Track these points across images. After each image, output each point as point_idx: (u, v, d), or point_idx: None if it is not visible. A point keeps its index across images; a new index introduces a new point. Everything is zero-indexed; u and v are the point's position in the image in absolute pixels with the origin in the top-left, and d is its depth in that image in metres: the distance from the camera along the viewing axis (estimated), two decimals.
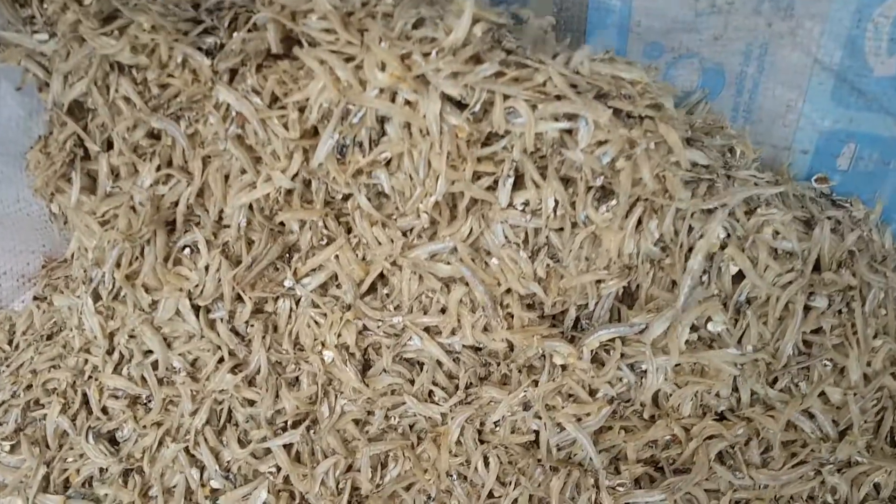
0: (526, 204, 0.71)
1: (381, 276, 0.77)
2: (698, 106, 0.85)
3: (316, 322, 0.78)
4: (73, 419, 0.84)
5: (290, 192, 0.75)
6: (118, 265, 0.78)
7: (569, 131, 0.68)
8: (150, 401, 0.83)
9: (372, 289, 0.77)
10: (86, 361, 0.84)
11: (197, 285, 0.78)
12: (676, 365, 0.74)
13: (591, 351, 0.73)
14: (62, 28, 0.73)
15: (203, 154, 0.75)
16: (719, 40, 0.81)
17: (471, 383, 0.77)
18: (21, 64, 0.77)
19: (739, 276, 0.73)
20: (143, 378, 0.82)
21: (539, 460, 0.75)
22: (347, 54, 0.67)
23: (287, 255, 0.78)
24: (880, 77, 0.77)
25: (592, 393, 0.75)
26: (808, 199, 0.82)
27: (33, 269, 0.92)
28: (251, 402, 0.80)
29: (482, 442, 0.76)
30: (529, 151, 0.68)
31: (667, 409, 0.76)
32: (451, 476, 0.77)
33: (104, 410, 0.83)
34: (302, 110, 0.70)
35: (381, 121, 0.70)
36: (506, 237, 0.72)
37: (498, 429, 0.77)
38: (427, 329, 0.76)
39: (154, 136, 0.78)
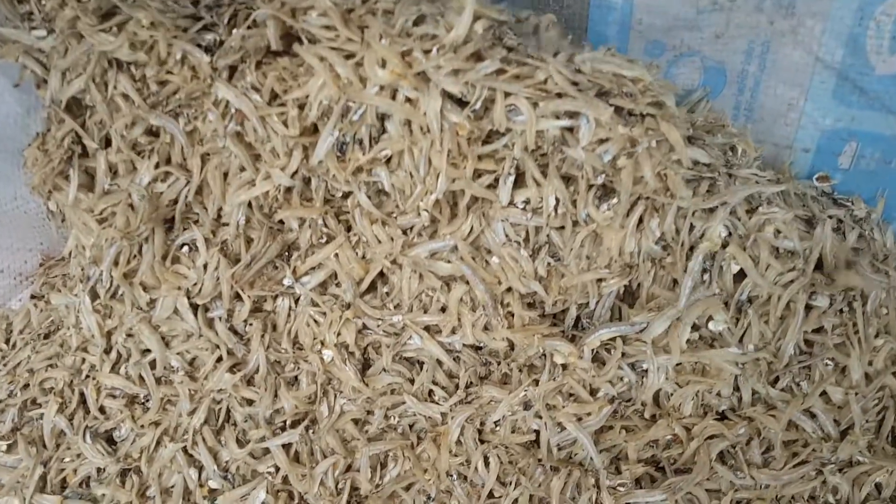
0: (527, 202, 0.71)
1: (381, 274, 0.76)
2: (699, 104, 0.85)
3: (315, 321, 0.77)
4: (70, 419, 0.83)
5: (289, 189, 0.74)
6: (116, 263, 0.78)
7: (570, 129, 0.67)
8: (147, 400, 0.82)
9: (372, 287, 0.77)
10: (83, 360, 0.84)
11: (195, 284, 0.77)
12: (677, 364, 0.74)
13: (592, 350, 0.73)
14: (60, 24, 0.73)
15: (202, 151, 0.75)
16: (721, 38, 0.81)
17: (471, 382, 0.76)
18: (19, 60, 0.77)
19: (741, 275, 0.73)
20: (140, 377, 0.81)
21: (539, 460, 0.75)
22: (348, 51, 0.67)
23: (286, 253, 0.78)
24: (882, 75, 0.77)
25: (593, 392, 0.75)
26: (809, 198, 0.82)
27: (31, 267, 0.91)
28: (250, 402, 0.79)
29: (482, 442, 0.76)
30: (530, 149, 0.68)
31: (668, 408, 0.75)
32: (451, 476, 0.76)
33: (101, 410, 0.83)
34: (302, 107, 0.70)
35: (382, 118, 0.69)
36: (506, 235, 0.72)
37: (498, 428, 0.76)
38: (427, 328, 0.76)
39: (152, 133, 0.77)
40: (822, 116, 0.82)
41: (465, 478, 0.76)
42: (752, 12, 0.78)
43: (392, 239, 0.73)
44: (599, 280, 0.72)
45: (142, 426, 0.81)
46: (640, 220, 0.70)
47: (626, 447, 0.75)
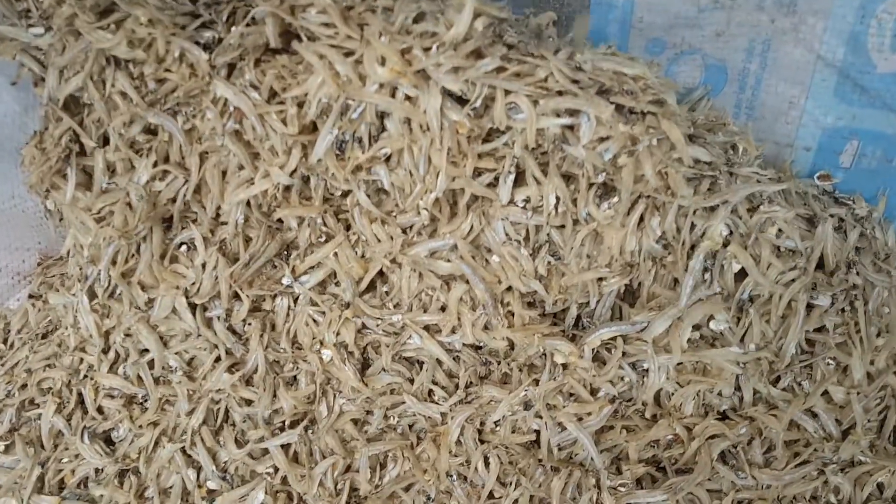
0: (527, 201, 0.71)
1: (381, 273, 0.76)
2: (700, 102, 0.85)
3: (314, 320, 0.77)
4: (68, 419, 0.83)
5: (288, 188, 0.74)
6: (114, 262, 0.77)
7: (570, 127, 0.67)
8: (146, 400, 0.82)
9: (371, 286, 0.77)
10: (81, 360, 0.83)
11: (193, 283, 0.77)
12: (678, 364, 0.73)
13: (593, 349, 0.73)
14: (58, 22, 0.72)
15: (200, 150, 0.74)
16: (722, 36, 0.81)
17: (471, 382, 0.76)
18: (16, 58, 0.76)
19: (742, 274, 0.73)
20: (139, 377, 0.81)
21: (540, 460, 0.74)
22: (347, 49, 0.67)
23: (285, 252, 0.78)
24: (883, 73, 0.77)
25: (594, 392, 0.74)
26: (810, 197, 0.81)
27: (29, 266, 0.91)
28: (248, 402, 0.79)
29: (482, 442, 0.76)
30: (531, 147, 0.68)
31: (669, 408, 0.75)
32: (451, 476, 0.76)
33: (100, 410, 0.83)
34: (301, 105, 0.70)
35: (381, 116, 0.69)
36: (506, 234, 0.72)
37: (498, 428, 0.76)
38: (427, 327, 0.75)
39: (151, 131, 0.77)
40: (823, 115, 0.82)
41: (465, 478, 0.76)
42: (754, 10, 0.78)
43: (391, 238, 0.73)
44: (600, 279, 0.72)
45: (140, 426, 0.81)
46: (641, 219, 0.70)
47: (627, 447, 0.75)
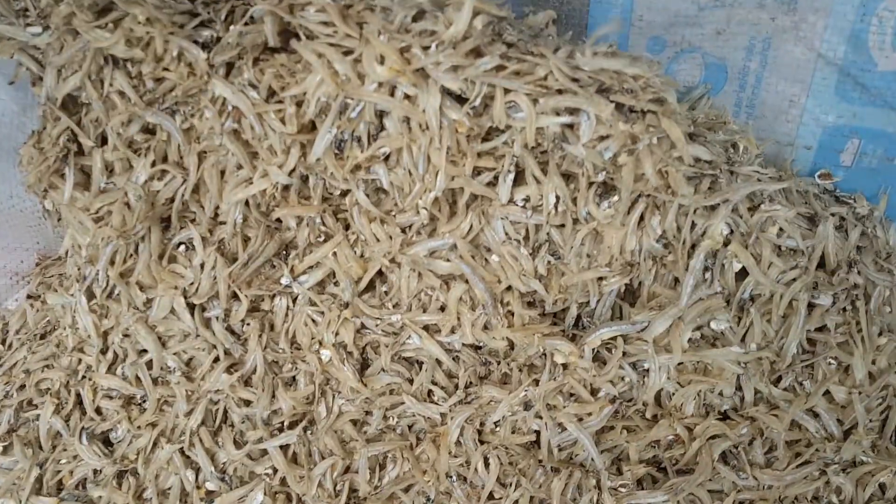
0: (527, 200, 0.70)
1: (380, 273, 0.76)
2: (700, 101, 0.84)
3: (313, 320, 0.77)
4: (66, 420, 0.83)
5: (286, 187, 0.74)
6: (112, 263, 0.77)
7: (570, 126, 0.67)
8: (144, 401, 0.82)
9: (370, 286, 0.77)
10: (79, 361, 0.83)
11: (192, 283, 0.77)
12: (679, 363, 0.73)
13: (593, 349, 0.73)
14: (56, 21, 0.72)
15: (199, 149, 0.74)
16: (722, 35, 0.81)
17: (470, 382, 0.76)
18: (14, 57, 0.76)
19: (743, 274, 0.73)
20: (137, 378, 0.81)
21: (540, 461, 0.74)
22: (346, 47, 0.67)
23: (284, 252, 0.77)
24: (884, 72, 0.76)
25: (594, 392, 0.74)
26: (811, 196, 0.81)
27: (27, 266, 0.91)
28: (247, 403, 0.79)
29: (482, 442, 0.75)
30: (530, 146, 0.67)
31: (669, 408, 0.75)
32: (451, 477, 0.75)
33: (98, 411, 0.82)
34: (299, 104, 0.69)
35: (380, 115, 0.69)
36: (506, 234, 0.72)
37: (498, 429, 0.76)
38: (426, 327, 0.75)
39: (149, 131, 0.77)
40: (823, 113, 0.82)
41: (465, 479, 0.76)
42: (754, 8, 0.78)
43: (391, 237, 0.73)
44: (600, 278, 0.72)
45: (138, 427, 0.81)
46: (641, 218, 0.69)
47: (628, 448, 0.74)
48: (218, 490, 0.79)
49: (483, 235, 0.72)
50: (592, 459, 0.73)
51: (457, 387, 0.76)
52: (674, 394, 0.74)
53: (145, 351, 0.80)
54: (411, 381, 0.76)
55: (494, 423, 0.75)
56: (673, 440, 0.75)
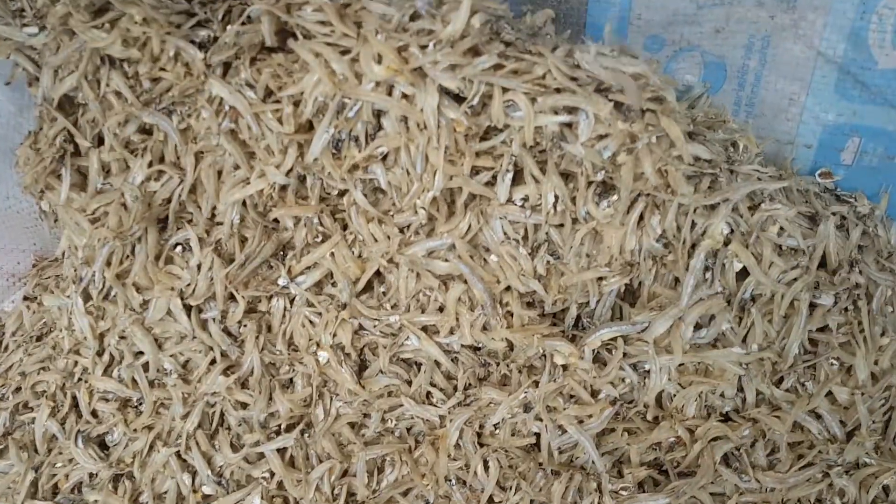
0: (525, 199, 0.70)
1: (378, 273, 0.75)
2: (700, 100, 0.84)
3: (311, 321, 0.76)
4: (62, 423, 0.82)
5: (284, 188, 0.74)
6: (108, 264, 0.77)
7: (569, 125, 0.66)
8: (140, 403, 0.81)
9: (368, 287, 0.76)
10: (75, 363, 0.83)
11: (189, 284, 0.76)
12: (680, 365, 0.72)
13: (593, 350, 0.72)
14: (52, 21, 0.72)
15: (195, 149, 0.74)
16: (721, 33, 0.80)
17: (470, 384, 0.75)
18: (10, 58, 0.76)
19: (743, 273, 0.72)
20: (133, 380, 0.80)
21: (540, 464, 0.73)
22: (343, 47, 0.66)
23: (281, 252, 0.77)
24: (885, 70, 0.76)
25: (594, 394, 0.74)
26: (812, 195, 0.81)
27: (24, 268, 0.90)
28: (244, 405, 0.78)
29: (482, 445, 0.75)
30: (529, 146, 0.67)
31: (670, 410, 0.74)
32: (450, 481, 0.75)
33: (94, 414, 0.82)
34: (297, 104, 0.69)
35: (378, 115, 0.69)
36: (505, 233, 0.71)
37: (498, 431, 0.75)
38: (425, 328, 0.75)
39: (146, 131, 0.77)
40: (823, 111, 0.81)
41: (465, 482, 0.75)
42: (753, 7, 0.78)
43: (389, 237, 0.72)
44: (600, 279, 0.71)
45: (134, 430, 0.80)
46: (641, 218, 0.69)
47: (629, 450, 0.74)
48: (214, 494, 0.78)
49: (482, 235, 0.71)
50: (593, 462, 0.73)
51: (456, 388, 0.75)
52: (675, 395, 0.74)
53: (142, 353, 0.79)
54: (410, 383, 0.76)
55: (494, 425, 0.75)
56: (674, 442, 0.74)
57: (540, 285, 0.72)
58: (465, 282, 0.72)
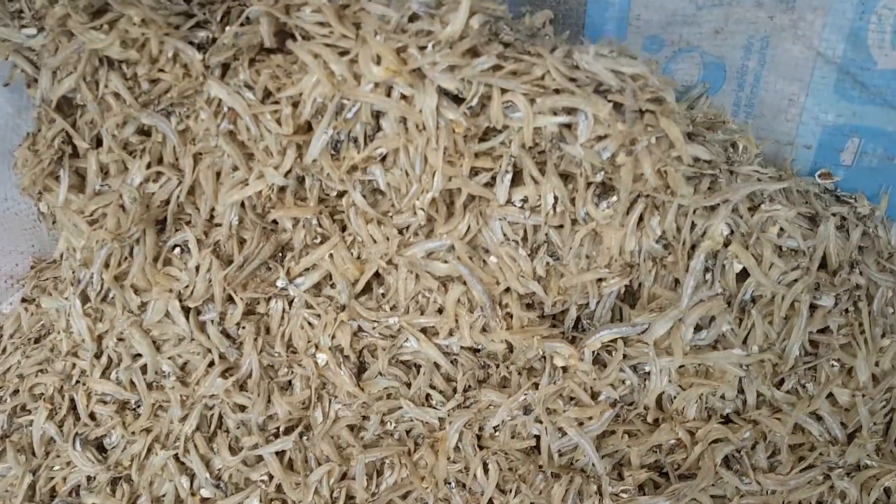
0: (525, 200, 0.70)
1: (377, 275, 0.75)
2: (699, 100, 0.84)
3: (309, 323, 0.76)
4: (60, 425, 0.82)
5: (283, 189, 0.73)
6: (107, 266, 0.76)
7: (568, 126, 0.66)
8: (138, 406, 0.81)
9: (367, 289, 0.76)
10: (73, 365, 0.82)
11: (187, 286, 0.76)
12: (680, 366, 0.72)
13: (593, 352, 0.72)
14: (50, 22, 0.72)
15: (194, 151, 0.74)
16: (720, 34, 0.80)
17: (469, 386, 0.75)
18: (9, 59, 0.76)
19: (743, 275, 0.72)
20: (131, 382, 0.80)
21: (540, 466, 0.73)
22: (342, 48, 0.66)
23: (280, 254, 0.77)
24: (884, 70, 0.76)
25: (594, 396, 0.73)
26: (812, 195, 0.80)
27: (22, 269, 0.90)
28: (242, 408, 0.78)
29: (481, 448, 0.74)
30: (528, 146, 0.67)
31: (671, 412, 0.74)
32: (450, 484, 0.74)
33: (92, 416, 0.82)
34: (295, 105, 0.69)
35: (377, 116, 0.68)
36: (504, 234, 0.71)
37: (497, 434, 0.75)
38: (424, 330, 0.74)
39: (144, 132, 0.76)
40: (823, 112, 0.81)
41: (464, 485, 0.74)
42: (752, 7, 0.78)
43: (388, 239, 0.72)
44: (599, 280, 0.71)
45: (133, 433, 0.80)
46: (641, 219, 0.69)
47: (629, 452, 0.73)
48: (213, 497, 0.78)
49: (481, 236, 0.71)
50: (593, 465, 0.72)
51: (455, 391, 0.75)
52: (675, 397, 0.73)
53: (140, 355, 0.79)
54: (409, 385, 0.75)
55: (494, 427, 0.74)
56: (675, 444, 0.74)
57: (539, 287, 0.71)
58: (465, 283, 0.72)
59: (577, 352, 0.71)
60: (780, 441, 0.73)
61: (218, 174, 0.74)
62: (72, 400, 0.82)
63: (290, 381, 0.78)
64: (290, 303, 0.77)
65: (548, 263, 0.71)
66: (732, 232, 0.70)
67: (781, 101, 0.82)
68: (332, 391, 0.76)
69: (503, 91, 0.65)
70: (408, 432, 0.77)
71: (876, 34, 0.74)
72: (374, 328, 0.75)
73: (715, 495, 0.73)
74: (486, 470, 0.74)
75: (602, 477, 0.72)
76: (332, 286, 0.76)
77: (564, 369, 0.72)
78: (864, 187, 0.84)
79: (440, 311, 0.73)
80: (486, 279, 0.72)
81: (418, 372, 0.76)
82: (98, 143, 0.78)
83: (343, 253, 0.74)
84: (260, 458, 0.77)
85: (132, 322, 0.78)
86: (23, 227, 0.88)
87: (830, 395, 0.74)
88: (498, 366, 0.75)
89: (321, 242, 0.74)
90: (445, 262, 0.72)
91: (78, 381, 0.82)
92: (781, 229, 0.72)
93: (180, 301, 0.76)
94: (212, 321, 0.77)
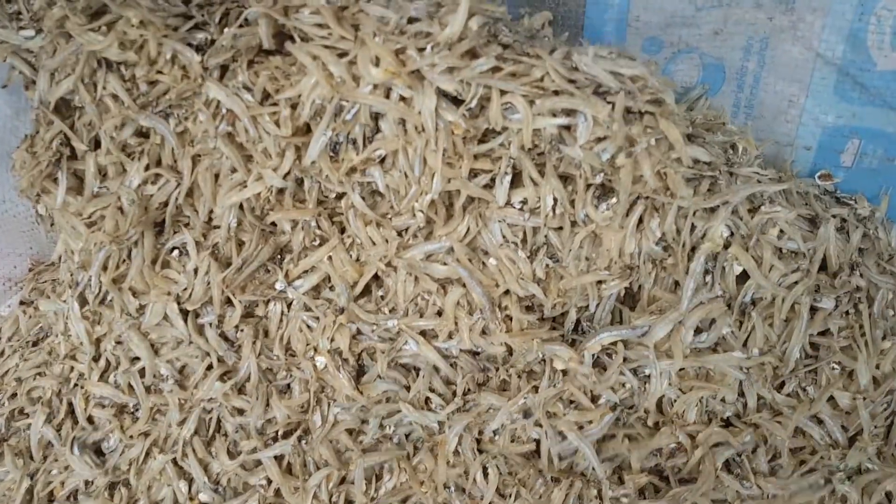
0: (524, 202, 0.70)
1: (376, 277, 0.75)
2: (698, 102, 0.84)
3: (308, 326, 0.76)
4: (58, 429, 0.81)
5: (281, 191, 0.73)
6: (105, 268, 0.76)
7: (567, 127, 0.66)
8: (136, 410, 0.81)
9: (366, 291, 0.76)
10: (71, 369, 0.82)
11: (185, 289, 0.76)
12: (680, 369, 0.72)
13: (593, 355, 0.71)
14: (49, 24, 0.72)
15: (192, 153, 0.74)
16: (719, 35, 0.80)
17: (469, 389, 0.74)
18: (7, 61, 0.76)
19: (743, 277, 0.72)
20: (129, 386, 0.80)
21: (540, 471, 0.73)
22: (341, 49, 0.66)
23: (278, 256, 0.76)
24: (883, 71, 0.76)
25: (594, 399, 0.73)
26: (811, 197, 0.80)
27: (20, 272, 0.90)
28: (241, 412, 0.77)
29: (481, 451, 0.74)
30: (527, 148, 0.67)
31: (671, 415, 0.73)
32: (449, 488, 0.74)
33: (90, 420, 0.81)
34: (294, 107, 0.69)
35: (376, 117, 0.68)
36: (504, 236, 0.71)
37: (497, 437, 0.74)
38: (423, 333, 0.74)
39: (142, 134, 0.76)
40: (823, 113, 0.81)
41: (464, 490, 0.74)
42: (751, 8, 0.78)
43: (387, 241, 0.72)
44: (599, 282, 0.71)
45: (131, 437, 0.79)
46: (640, 221, 0.69)
47: (629, 456, 0.73)
48: (211, 501, 0.77)
49: (480, 238, 0.71)
50: (593, 469, 0.72)
51: (455, 394, 0.75)
52: (675, 400, 0.73)
53: (138, 358, 0.79)
54: (408, 389, 0.75)
55: (493, 431, 0.74)
56: (675, 448, 0.74)
57: (539, 289, 0.71)
58: (464, 285, 0.72)
59: (577, 355, 0.70)
60: (780, 445, 0.73)
61: (216, 176, 0.74)
62: (70, 403, 0.81)
63: (288, 385, 0.77)
64: (289, 305, 0.76)
65: (547, 265, 0.71)
66: (732, 234, 0.70)
67: (781, 103, 0.82)
68: (330, 394, 0.76)
69: (502, 93, 0.65)
70: (407, 436, 0.77)
71: (875, 35, 0.74)
72: (373, 331, 0.75)
73: (716, 499, 0.72)
74: (485, 474, 0.73)
75: (602, 481, 0.72)
76: (331, 288, 0.75)
77: (564, 372, 0.72)
78: (864, 189, 0.84)
79: (439, 313, 0.73)
80: (485, 281, 0.71)
81: (417, 375, 0.75)
82: (96, 144, 0.78)
83: (342, 255, 0.73)
84: (258, 463, 0.77)
85: (130, 325, 0.77)
86: (21, 230, 0.88)
87: (831, 398, 0.74)
88: (497, 369, 0.74)
89: (320, 244, 0.74)
90: (445, 264, 0.72)
91: (76, 385, 0.82)
92: (781, 231, 0.72)
93: (178, 304, 0.76)
94: (210, 324, 0.77)
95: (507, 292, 0.72)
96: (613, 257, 0.70)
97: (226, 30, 0.70)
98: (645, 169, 0.65)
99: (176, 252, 0.77)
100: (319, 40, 0.67)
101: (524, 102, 0.64)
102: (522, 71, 0.65)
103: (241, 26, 0.69)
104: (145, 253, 0.76)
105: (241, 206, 0.74)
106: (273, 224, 0.75)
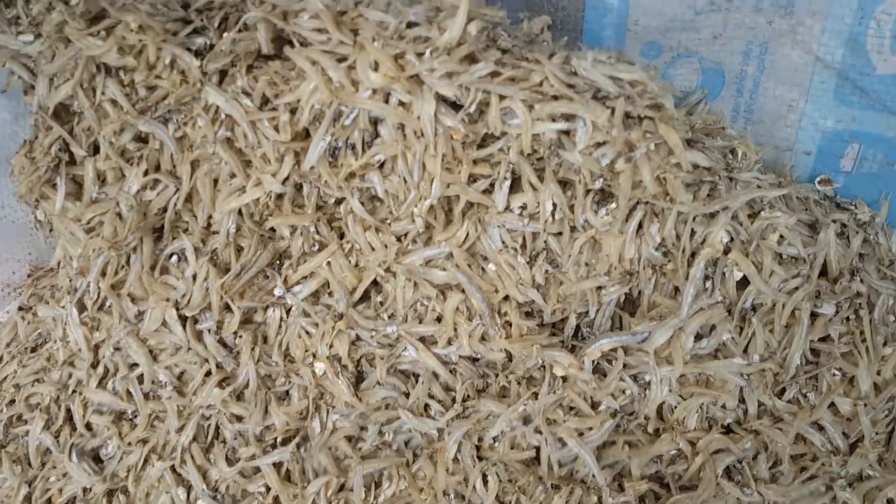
0: (523, 207, 0.69)
1: (375, 283, 0.75)
2: (698, 106, 0.84)
3: (307, 332, 0.75)
4: (56, 436, 0.81)
5: (280, 196, 0.73)
6: (103, 274, 0.76)
7: (566, 132, 0.66)
8: (135, 416, 0.80)
9: (365, 297, 0.75)
10: (70, 375, 0.82)
11: (184, 295, 0.76)
12: (681, 376, 0.71)
13: (593, 361, 0.71)
14: (47, 29, 0.72)
15: (191, 158, 0.74)
16: (718, 39, 0.80)
17: (468, 396, 0.74)
18: (6, 66, 0.76)
19: (744, 283, 0.71)
20: (128, 392, 0.79)
21: (540, 477, 0.72)
22: (340, 54, 0.66)
23: (277, 262, 0.76)
24: (883, 75, 0.76)
25: (594, 406, 0.72)
26: (811, 202, 0.80)
27: (19, 278, 0.90)
28: (239, 418, 0.77)
29: (480, 458, 0.74)
30: (526, 153, 0.67)
31: (671, 422, 0.73)
32: (449, 495, 0.74)
33: (88, 426, 0.81)
34: (293, 112, 0.69)
35: (375, 122, 0.68)
36: (503, 242, 0.71)
37: (497, 444, 0.74)
38: (422, 339, 0.74)
39: (141, 139, 0.76)
40: (822, 118, 0.81)
41: (463, 497, 0.73)
42: (750, 12, 0.77)
43: (386, 246, 0.72)
44: (599, 288, 0.71)
45: (129, 444, 0.79)
46: (640, 226, 0.68)
47: (630, 463, 0.72)
48: None
49: (479, 244, 0.71)
50: (594, 476, 0.71)
51: (454, 400, 0.74)
52: (676, 407, 0.73)
53: (136, 365, 0.79)
54: (407, 395, 0.75)
55: (493, 438, 0.74)
56: (676, 455, 0.73)
57: (538, 294, 0.71)
58: (463, 291, 0.71)
59: (577, 361, 0.70)
60: (781, 451, 0.72)
61: (215, 181, 0.74)
62: (68, 410, 0.81)
63: (287, 391, 0.77)
64: (288, 311, 0.76)
65: (547, 271, 0.71)
66: (732, 239, 0.70)
67: (781, 107, 0.82)
68: (329, 401, 0.76)
69: (501, 97, 0.65)
70: (406, 443, 0.76)
71: (875, 39, 0.74)
72: (372, 337, 0.74)
73: None
74: (485, 481, 0.73)
75: (602, 488, 0.71)
76: (330, 294, 0.75)
77: (564, 379, 0.72)
78: (864, 193, 0.83)
79: (439, 319, 0.73)
80: (484, 287, 0.71)
81: (417, 381, 0.75)
82: (95, 150, 0.77)
83: (341, 261, 0.73)
84: (257, 470, 0.76)
85: (129, 331, 0.77)
86: (19, 235, 0.88)
87: (832, 404, 0.74)
88: (497, 375, 0.74)
89: (319, 250, 0.74)
90: (444, 269, 0.71)
91: (74, 391, 0.81)
92: (781, 236, 0.72)
93: (177, 310, 0.76)
94: (209, 330, 0.77)
95: (506, 298, 0.72)
96: (613, 263, 0.70)
97: (225, 34, 0.70)
98: (644, 174, 0.65)
99: (175, 258, 0.77)
100: (318, 45, 0.67)
101: (523, 107, 0.64)
102: (521, 76, 0.65)
103: (240, 31, 0.69)
104: (144, 259, 0.76)
105: (239, 212, 0.74)
106: (272, 229, 0.75)
